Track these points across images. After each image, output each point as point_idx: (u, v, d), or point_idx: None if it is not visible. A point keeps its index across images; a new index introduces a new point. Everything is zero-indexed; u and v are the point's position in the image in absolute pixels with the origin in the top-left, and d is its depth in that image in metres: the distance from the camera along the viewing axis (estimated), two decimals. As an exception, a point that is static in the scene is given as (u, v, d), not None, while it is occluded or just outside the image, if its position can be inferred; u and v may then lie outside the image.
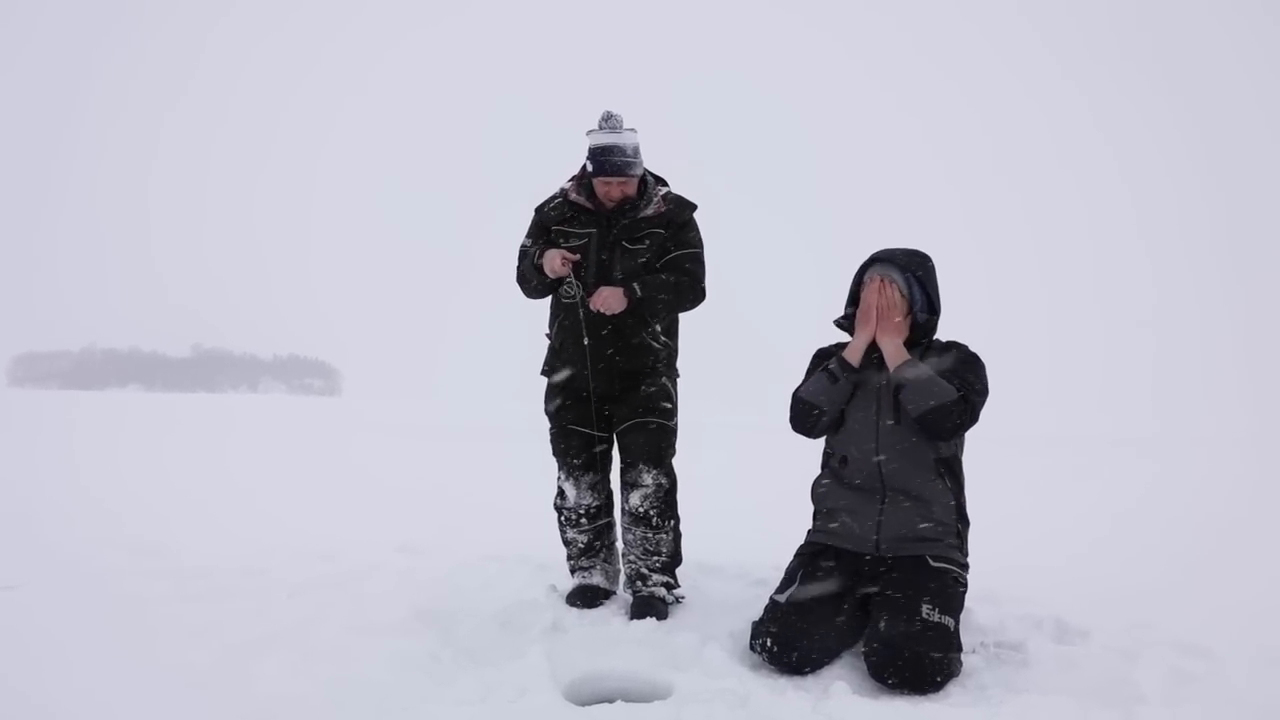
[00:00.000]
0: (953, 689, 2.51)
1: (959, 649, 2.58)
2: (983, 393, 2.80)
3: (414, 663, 2.59)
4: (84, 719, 2.17)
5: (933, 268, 2.97)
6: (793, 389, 2.99)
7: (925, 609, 2.52)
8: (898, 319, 2.83)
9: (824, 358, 3.03)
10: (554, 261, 3.10)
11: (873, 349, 2.88)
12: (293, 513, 5.59)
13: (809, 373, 3.03)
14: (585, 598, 3.24)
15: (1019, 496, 7.32)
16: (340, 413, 27.04)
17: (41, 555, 3.94)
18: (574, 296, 3.17)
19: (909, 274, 2.91)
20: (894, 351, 2.79)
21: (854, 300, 2.99)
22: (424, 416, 23.78)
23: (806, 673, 2.61)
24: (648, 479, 3.22)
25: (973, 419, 2.75)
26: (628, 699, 2.42)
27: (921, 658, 2.44)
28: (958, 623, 2.62)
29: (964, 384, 2.75)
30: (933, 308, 2.95)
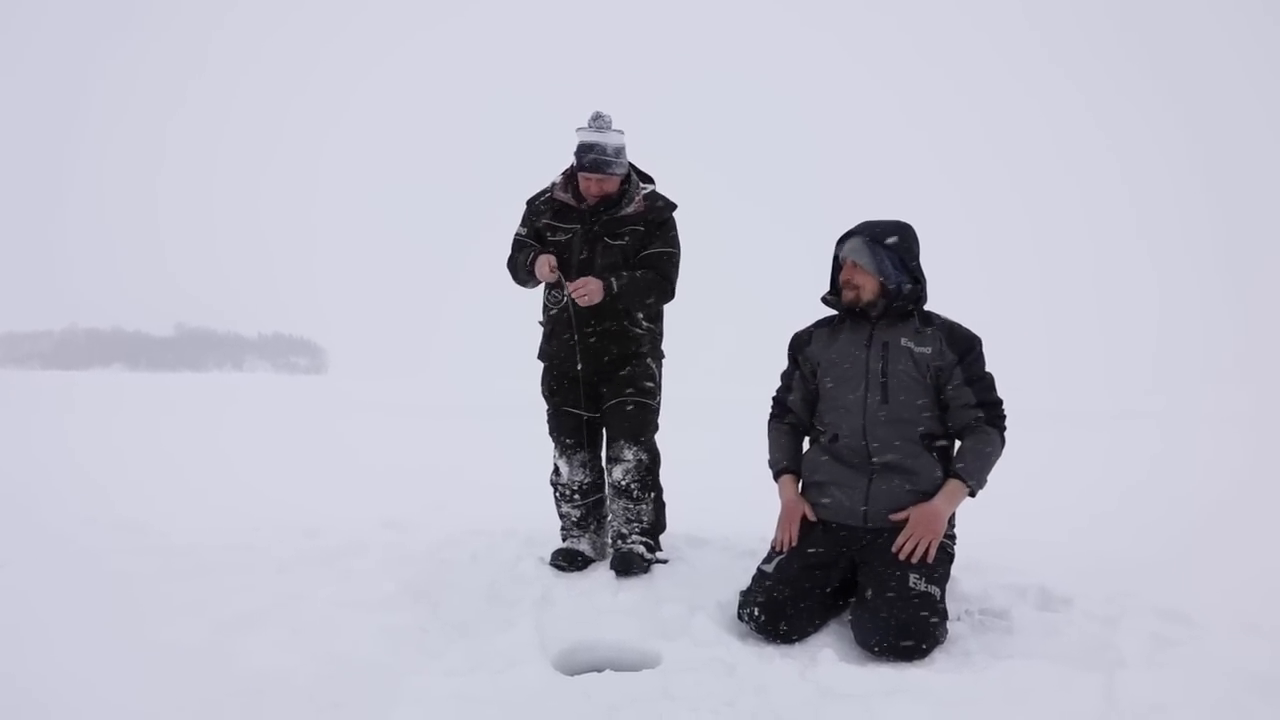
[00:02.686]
0: (938, 655, 2.54)
1: (944, 617, 2.60)
2: (993, 386, 2.82)
3: (403, 636, 2.59)
4: (70, 696, 2.16)
5: (912, 235, 2.89)
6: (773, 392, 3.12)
7: (913, 578, 2.56)
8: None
9: (797, 346, 3.06)
10: (542, 269, 3.26)
11: (864, 318, 2.88)
12: (278, 490, 5.58)
13: (789, 363, 3.09)
14: (567, 558, 3.34)
15: (1013, 471, 7.38)
16: (326, 391, 26.95)
17: (27, 533, 3.92)
18: (559, 303, 3.34)
19: (878, 246, 2.83)
20: (948, 506, 2.74)
21: (835, 273, 2.96)
22: (410, 395, 23.73)
23: (794, 641, 2.64)
24: (628, 455, 3.35)
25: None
26: (617, 668, 2.43)
27: (908, 626, 2.47)
28: (944, 592, 2.64)
29: (980, 391, 2.78)
30: (914, 276, 2.88)
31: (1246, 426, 13.29)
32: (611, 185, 3.32)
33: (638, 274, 3.31)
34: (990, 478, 2.78)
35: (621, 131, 3.32)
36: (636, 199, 3.37)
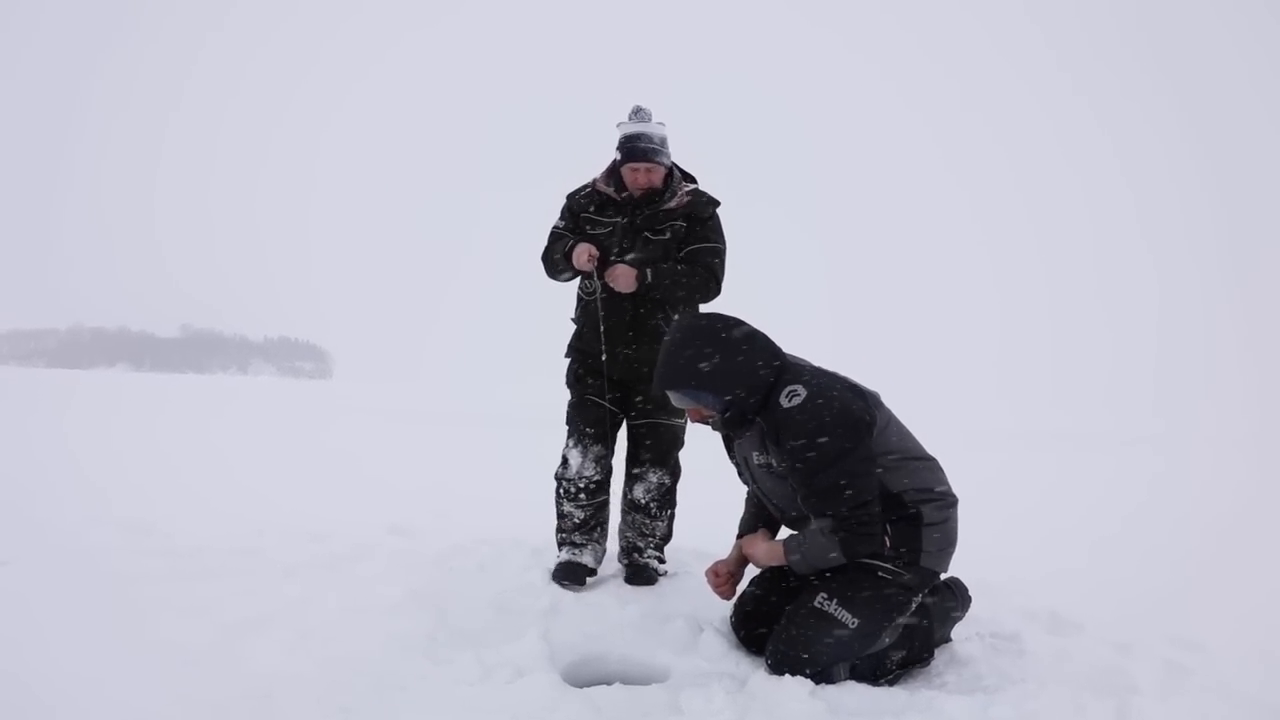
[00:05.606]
0: (949, 677, 2.52)
1: (859, 647, 2.47)
2: (840, 476, 2.39)
3: (411, 643, 2.58)
4: (77, 697, 2.15)
5: (699, 345, 2.51)
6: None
7: (819, 599, 2.47)
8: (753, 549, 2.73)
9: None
10: (580, 257, 3.23)
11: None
12: (284, 494, 5.57)
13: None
14: (572, 574, 3.26)
15: (1020, 493, 7.35)
16: (331, 396, 26.95)
17: (31, 532, 3.90)
18: (592, 293, 3.32)
19: (687, 390, 2.56)
20: (766, 555, 2.69)
21: None
22: (415, 401, 23.73)
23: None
24: (652, 477, 3.39)
25: (865, 514, 2.40)
26: (626, 681, 2.42)
27: (794, 640, 2.43)
28: (877, 622, 2.46)
29: (819, 493, 2.41)
30: (728, 388, 2.51)
31: (1249, 450, 13.25)
32: (658, 176, 3.31)
33: (678, 267, 3.27)
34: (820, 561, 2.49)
35: (663, 124, 3.33)
36: (680, 193, 3.34)
